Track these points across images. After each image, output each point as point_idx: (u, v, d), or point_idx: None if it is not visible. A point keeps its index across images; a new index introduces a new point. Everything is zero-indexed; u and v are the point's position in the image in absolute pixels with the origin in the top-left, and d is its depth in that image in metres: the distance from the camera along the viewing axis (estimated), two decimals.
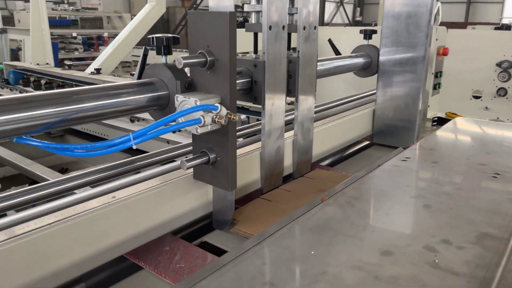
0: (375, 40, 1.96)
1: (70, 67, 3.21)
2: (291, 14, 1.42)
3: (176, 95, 0.99)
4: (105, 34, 9.72)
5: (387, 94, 1.93)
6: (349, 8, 26.37)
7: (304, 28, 1.39)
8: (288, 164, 1.50)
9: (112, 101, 0.96)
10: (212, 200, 1.19)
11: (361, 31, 1.97)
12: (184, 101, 0.97)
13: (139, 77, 1.19)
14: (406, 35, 1.83)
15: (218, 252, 1.10)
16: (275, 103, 1.32)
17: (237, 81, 1.18)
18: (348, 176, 1.59)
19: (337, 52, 2.12)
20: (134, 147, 0.85)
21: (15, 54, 7.18)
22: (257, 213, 1.25)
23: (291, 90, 1.44)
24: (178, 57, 0.93)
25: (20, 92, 3.52)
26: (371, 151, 1.98)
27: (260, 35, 1.29)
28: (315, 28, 1.44)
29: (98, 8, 12.35)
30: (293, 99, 1.45)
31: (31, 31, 3.25)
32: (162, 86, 1.05)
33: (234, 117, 0.96)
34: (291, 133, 1.51)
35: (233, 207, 1.14)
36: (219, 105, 0.95)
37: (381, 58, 1.90)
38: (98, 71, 3.01)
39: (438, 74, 2.52)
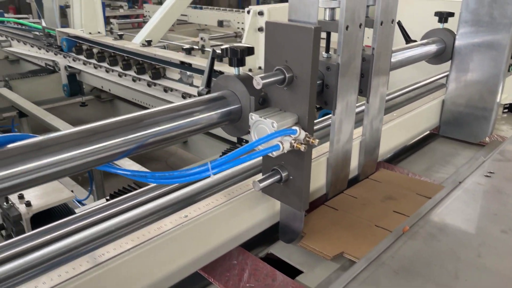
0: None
1: (121, 37, 3.18)
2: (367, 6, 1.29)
3: (251, 113, 0.93)
4: None
5: (461, 81, 1.77)
6: None
7: (382, 23, 1.27)
8: (354, 166, 1.43)
9: (185, 121, 0.92)
10: (279, 211, 1.16)
11: (436, 13, 1.78)
12: (259, 121, 0.92)
13: (207, 85, 1.13)
14: (488, 19, 1.64)
15: (286, 267, 1.08)
16: (347, 107, 1.23)
17: None
18: (416, 178, 1.51)
19: (407, 37, 1.95)
20: (212, 177, 0.82)
21: (63, 11, 7.28)
22: (323, 224, 1.21)
23: (362, 90, 1.34)
24: (256, 77, 0.86)
25: (74, 60, 3.58)
26: (436, 145, 1.86)
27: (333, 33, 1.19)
28: (392, 21, 1.31)
29: None
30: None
31: (83, 1, 3.23)
32: (234, 100, 0.99)
33: (313, 141, 0.90)
34: (359, 131, 1.43)
35: (303, 222, 1.11)
36: (298, 129, 0.88)
37: (457, 42, 1.73)
38: (149, 43, 2.98)
39: None
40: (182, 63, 2.65)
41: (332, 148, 1.26)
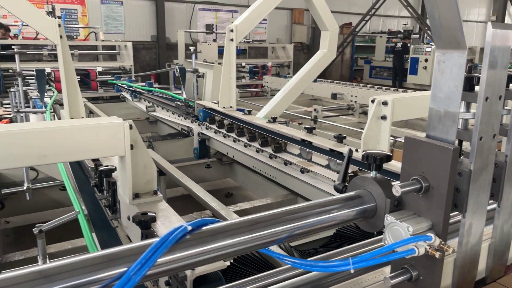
0: None
1: (250, 112, 3.58)
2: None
3: (386, 215, 1.05)
4: (269, 64, 10.51)
5: None
6: None
7: None
8: (482, 268, 1.41)
9: (327, 217, 1.06)
10: None
11: None
12: (394, 223, 1.02)
13: (343, 180, 1.29)
14: None
15: None
16: (477, 211, 1.26)
17: None
18: None
19: None
20: (352, 271, 0.94)
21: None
22: None
23: (493, 194, 1.36)
24: (395, 185, 0.99)
25: (206, 128, 4.10)
26: None
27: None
28: None
29: (265, 39, 13.37)
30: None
31: (222, 78, 3.77)
32: (370, 199, 1.12)
33: (447, 248, 0.97)
34: (488, 233, 1.41)
35: None
36: (432, 236, 0.97)
37: None
38: (274, 119, 3.30)
39: None
40: (303, 140, 2.88)
41: (461, 249, 1.29)
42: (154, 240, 0.84)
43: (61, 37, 2.90)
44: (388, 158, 1.10)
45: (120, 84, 6.55)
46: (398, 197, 1.09)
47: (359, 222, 1.17)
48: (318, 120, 6.73)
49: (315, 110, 7.29)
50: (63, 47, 2.96)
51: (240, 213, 2.94)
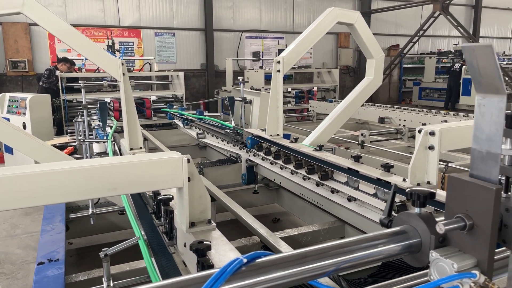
0: None
1: (296, 140, 3.68)
2: None
3: (431, 251, 1.09)
4: (315, 88, 10.60)
5: None
6: None
7: None
8: None
9: (374, 251, 1.12)
10: None
11: None
12: (439, 260, 1.06)
13: (388, 214, 1.34)
14: None
15: None
16: None
17: None
18: None
19: None
20: None
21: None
22: None
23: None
24: (439, 223, 1.03)
25: (254, 155, 4.24)
26: None
27: None
28: None
29: (311, 65, 13.53)
30: None
31: (269, 107, 3.91)
32: (415, 235, 1.16)
33: (492, 286, 0.99)
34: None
35: None
36: (477, 273, 1.00)
37: None
38: (320, 147, 3.37)
39: None
40: (350, 169, 2.92)
41: (510, 285, 1.28)
42: (214, 271, 0.94)
43: (123, 74, 3.19)
44: (431, 196, 1.15)
45: (172, 112, 6.92)
46: (443, 233, 1.13)
47: (405, 257, 1.21)
48: (366, 144, 6.66)
49: (362, 134, 7.23)
50: (125, 83, 3.25)
51: (287, 239, 2.99)
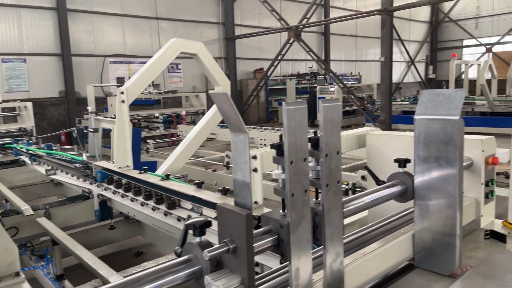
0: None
1: (145, 171, 3.66)
2: (316, 171, 1.60)
3: (205, 276, 1.20)
4: (183, 113, 10.70)
5: (424, 218, 1.98)
6: (420, 66, 25.93)
7: (327, 185, 1.56)
8: None
9: (163, 281, 1.19)
10: None
11: (395, 160, 2.08)
12: (210, 283, 1.18)
13: (181, 245, 1.43)
14: (436, 159, 1.90)
15: None
16: (301, 259, 1.47)
17: (266, 240, 1.38)
18: None
19: (377, 180, 2.23)
20: None
21: (108, 133, 8.20)
22: None
23: (318, 238, 1.59)
24: (205, 251, 1.15)
25: (105, 189, 4.07)
26: (413, 277, 1.99)
27: None
28: (338, 182, 1.60)
29: (178, 89, 13.62)
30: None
31: (115, 140, 3.82)
32: (197, 262, 1.27)
33: None
34: (320, 275, 1.62)
35: None
36: None
37: (416, 183, 1.98)
38: (167, 176, 3.41)
39: (489, 183, 2.48)
40: (193, 196, 3.02)
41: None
42: None
43: None
44: (207, 224, 1.27)
45: (18, 148, 6.25)
46: (218, 258, 1.26)
47: (191, 285, 1.30)
48: (231, 165, 6.95)
49: (227, 156, 7.53)
50: None
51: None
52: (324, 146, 1.53)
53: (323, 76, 17.55)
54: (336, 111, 1.54)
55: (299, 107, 1.40)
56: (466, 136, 2.46)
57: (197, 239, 1.28)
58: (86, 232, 4.37)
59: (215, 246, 1.19)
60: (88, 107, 5.26)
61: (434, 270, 1.97)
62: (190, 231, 1.31)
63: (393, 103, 13.33)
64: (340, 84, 14.19)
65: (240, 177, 1.22)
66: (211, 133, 7.97)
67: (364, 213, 2.82)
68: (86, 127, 5.28)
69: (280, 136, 1.48)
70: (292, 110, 1.38)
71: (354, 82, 17.61)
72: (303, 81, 18.50)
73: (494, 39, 24.73)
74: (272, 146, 1.46)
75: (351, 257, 1.79)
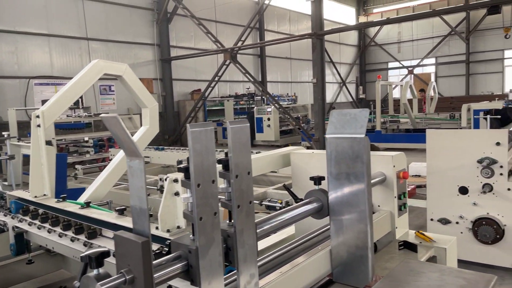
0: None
1: (64, 199, 3.43)
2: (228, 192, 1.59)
3: None
4: None
5: (339, 234, 2.04)
6: (352, 87, 27.43)
7: (239, 206, 1.56)
8: None
9: None
10: None
11: (311, 178, 2.14)
12: None
13: (79, 279, 1.33)
14: (346, 180, 1.98)
15: None
16: (212, 284, 1.43)
17: (174, 266, 1.33)
18: None
19: (294, 197, 2.28)
20: None
21: (27, 159, 7.62)
22: None
23: (231, 261, 1.56)
24: (98, 284, 1.08)
25: (20, 221, 3.75)
26: None
27: None
28: (250, 202, 1.60)
29: (111, 112, 13.15)
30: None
31: (31, 166, 3.55)
32: None
33: None
34: None
35: None
36: None
37: (330, 200, 2.05)
38: (87, 204, 3.22)
39: (401, 196, 2.63)
40: (115, 224, 2.87)
41: None
42: None
43: None
44: (104, 255, 1.20)
45: None
46: None
47: None
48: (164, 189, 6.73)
49: (160, 179, 7.29)
50: None
51: None
52: (234, 167, 1.53)
53: (260, 97, 17.89)
54: (244, 132, 1.55)
55: (204, 129, 1.39)
56: (378, 153, 2.62)
57: (95, 271, 1.20)
58: (3, 268, 3.98)
59: (109, 278, 1.12)
60: (3, 132, 4.86)
61: (351, 283, 2.03)
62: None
63: (326, 122, 13.90)
64: (276, 105, 14.54)
65: (138, 204, 1.17)
66: (144, 156, 7.73)
67: (291, 230, 2.85)
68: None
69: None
70: (197, 132, 1.36)
71: (290, 102, 18.16)
72: (241, 102, 18.72)
73: (414, 62, 26.95)
74: (180, 170, 1.44)
75: (268, 277, 1.79)
